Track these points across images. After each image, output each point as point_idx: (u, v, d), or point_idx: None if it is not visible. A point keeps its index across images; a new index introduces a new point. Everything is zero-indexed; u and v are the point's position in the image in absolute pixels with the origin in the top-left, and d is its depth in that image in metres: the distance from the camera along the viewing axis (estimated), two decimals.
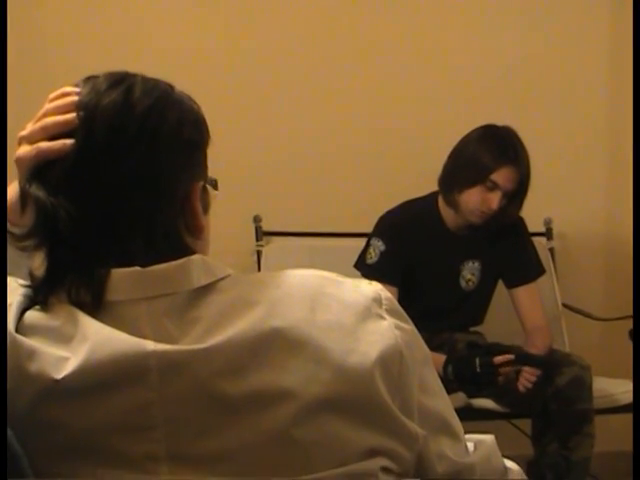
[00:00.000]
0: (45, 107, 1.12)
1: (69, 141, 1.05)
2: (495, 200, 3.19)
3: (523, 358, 3.11)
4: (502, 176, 3.19)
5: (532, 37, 4.11)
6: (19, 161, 1.10)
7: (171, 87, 1.13)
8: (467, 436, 1.16)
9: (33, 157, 1.07)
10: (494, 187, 3.19)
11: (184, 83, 1.17)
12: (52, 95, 1.13)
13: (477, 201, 3.22)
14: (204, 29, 3.93)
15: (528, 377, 3.10)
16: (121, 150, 1.05)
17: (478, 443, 1.16)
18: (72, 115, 1.07)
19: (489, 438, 1.18)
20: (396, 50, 4.03)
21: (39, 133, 1.09)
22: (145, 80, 1.11)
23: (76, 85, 1.12)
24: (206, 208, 1.13)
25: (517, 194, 3.24)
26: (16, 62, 3.58)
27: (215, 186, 1.17)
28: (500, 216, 3.25)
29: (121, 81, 1.09)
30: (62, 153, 1.05)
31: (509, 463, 1.22)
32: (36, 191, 1.03)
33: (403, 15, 4.05)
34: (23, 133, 1.12)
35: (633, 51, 3.40)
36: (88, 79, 1.11)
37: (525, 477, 1.23)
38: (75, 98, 1.09)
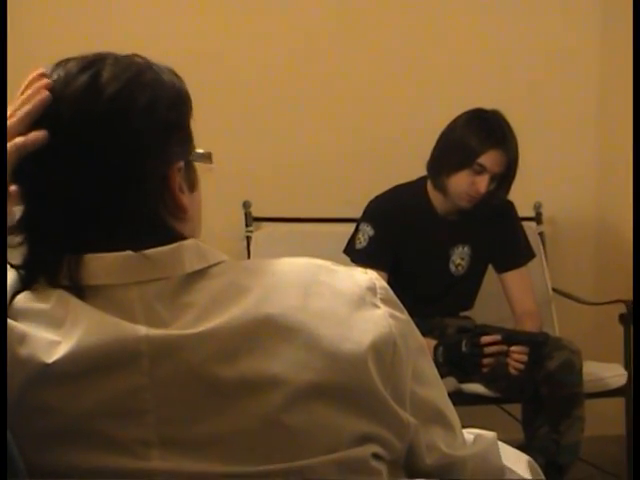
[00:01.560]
0: (19, 98, 1.08)
1: (41, 133, 1.04)
2: (483, 183, 3.18)
3: (510, 337, 3.10)
4: (489, 159, 3.18)
5: (523, 21, 4.10)
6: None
7: (146, 65, 1.10)
8: (469, 430, 1.15)
9: (13, 154, 1.04)
10: (481, 170, 3.18)
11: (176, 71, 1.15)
12: (22, 86, 1.09)
13: (465, 185, 3.20)
14: (197, 20, 3.92)
15: (518, 357, 3.06)
16: (89, 136, 1.03)
17: (477, 437, 1.15)
18: (40, 98, 1.05)
19: (490, 434, 1.17)
20: (386, 37, 4.03)
21: (15, 126, 1.06)
22: (117, 61, 1.08)
23: (46, 70, 1.09)
24: (193, 185, 1.11)
25: (505, 177, 3.23)
26: (16, 62, 3.55)
27: (209, 159, 1.14)
28: (488, 200, 3.24)
29: (91, 64, 1.07)
30: (36, 146, 1.03)
31: (522, 467, 1.20)
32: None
33: (396, 3, 4.04)
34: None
35: (633, 40, 3.38)
36: (59, 64, 1.09)
37: (542, 477, 1.22)
38: (44, 82, 1.06)
